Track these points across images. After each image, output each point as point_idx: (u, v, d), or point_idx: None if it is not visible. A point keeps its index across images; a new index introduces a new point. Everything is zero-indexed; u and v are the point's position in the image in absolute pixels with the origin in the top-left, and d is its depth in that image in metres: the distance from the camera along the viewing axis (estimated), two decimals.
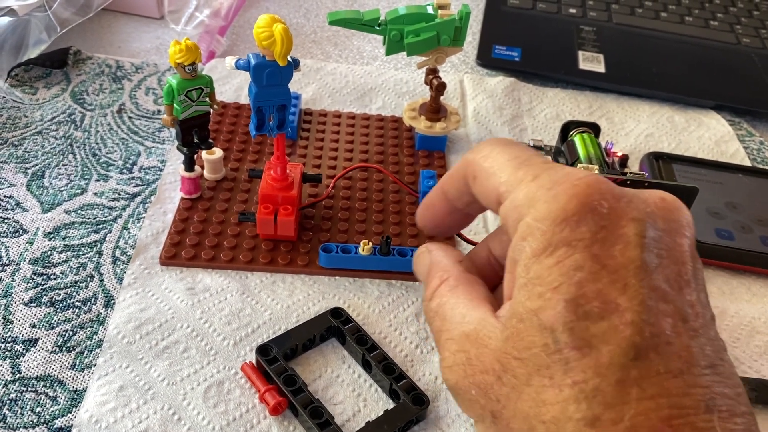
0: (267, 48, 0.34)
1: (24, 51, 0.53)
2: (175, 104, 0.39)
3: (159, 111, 0.52)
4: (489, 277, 0.28)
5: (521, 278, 0.21)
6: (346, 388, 0.34)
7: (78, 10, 0.57)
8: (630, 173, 0.40)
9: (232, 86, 0.55)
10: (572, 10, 0.71)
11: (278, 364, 0.33)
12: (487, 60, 0.62)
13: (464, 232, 0.44)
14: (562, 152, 0.48)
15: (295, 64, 0.36)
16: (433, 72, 0.49)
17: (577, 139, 0.47)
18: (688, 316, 0.20)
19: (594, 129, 0.48)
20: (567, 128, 0.49)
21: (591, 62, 0.63)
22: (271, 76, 0.35)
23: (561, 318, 0.20)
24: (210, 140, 0.42)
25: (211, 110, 0.41)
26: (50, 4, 0.55)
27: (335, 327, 0.36)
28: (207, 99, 0.40)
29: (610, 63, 0.63)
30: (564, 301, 0.20)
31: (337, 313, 0.36)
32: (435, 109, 0.50)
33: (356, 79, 0.58)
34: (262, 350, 0.34)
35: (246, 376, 0.34)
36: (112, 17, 0.64)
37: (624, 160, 0.49)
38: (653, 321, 0.20)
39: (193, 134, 0.41)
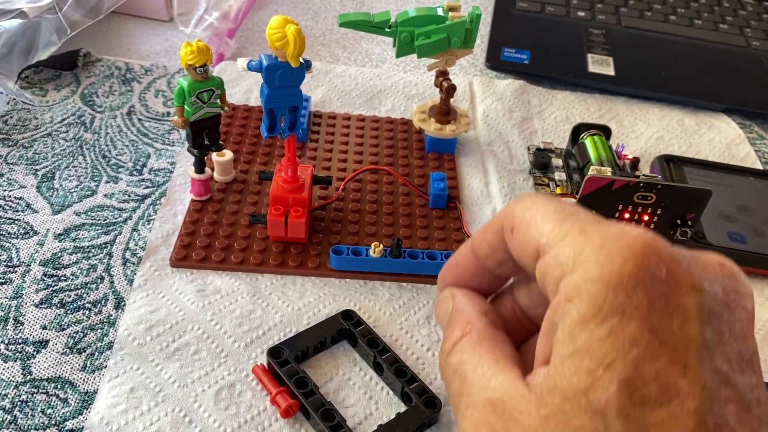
0: (279, 49, 0.34)
1: (34, 53, 0.53)
2: (186, 106, 0.39)
3: (168, 113, 0.52)
4: (514, 331, 0.26)
5: (565, 347, 0.19)
6: (358, 391, 0.34)
7: (88, 13, 0.57)
8: (643, 176, 0.40)
9: (242, 88, 0.55)
10: (581, 13, 0.71)
11: (289, 367, 0.33)
12: (496, 62, 0.62)
13: None
14: (573, 155, 0.48)
15: (307, 66, 0.36)
16: (443, 74, 0.49)
17: (588, 142, 0.47)
18: (751, 402, 0.19)
19: (605, 131, 0.48)
20: (577, 131, 0.49)
21: (600, 65, 0.62)
22: (284, 77, 0.35)
23: (614, 402, 0.18)
24: (220, 142, 0.42)
25: (222, 112, 0.41)
26: (60, 6, 0.55)
27: (346, 329, 0.36)
28: (218, 101, 0.40)
29: (620, 66, 0.63)
30: (618, 382, 0.18)
31: (348, 315, 0.36)
32: (445, 112, 0.49)
33: (365, 82, 0.58)
34: (274, 352, 0.34)
35: (257, 379, 0.33)
36: (122, 20, 0.64)
37: (635, 162, 0.49)
38: (716, 410, 0.18)
39: (204, 136, 0.41)
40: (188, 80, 0.38)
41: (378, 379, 0.34)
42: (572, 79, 0.61)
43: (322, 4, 0.71)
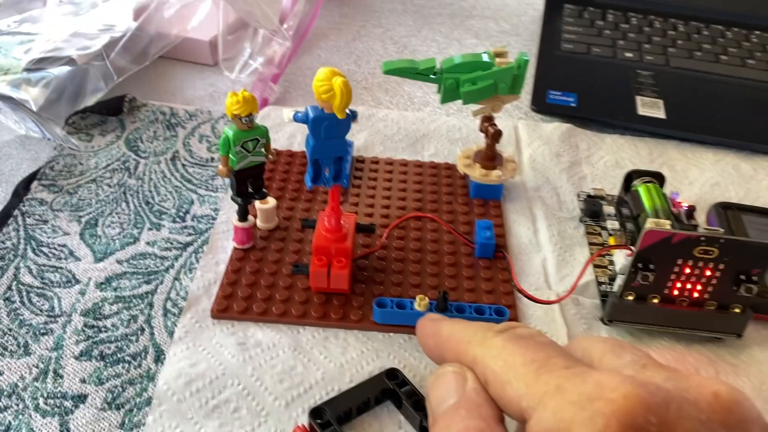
0: (326, 101, 0.33)
1: (82, 99, 0.54)
2: (230, 155, 0.38)
3: (212, 158, 0.52)
4: None
5: None
6: None
7: (134, 59, 0.58)
8: (703, 229, 0.38)
9: (285, 134, 0.55)
10: (628, 54, 0.70)
11: (332, 429, 0.32)
12: (541, 105, 0.61)
13: (526, 287, 0.42)
14: (626, 202, 0.46)
15: (353, 116, 0.35)
16: (488, 119, 0.48)
17: (641, 190, 0.45)
18: None
19: (658, 178, 0.46)
20: (630, 177, 0.47)
21: (650, 108, 0.61)
22: (330, 128, 0.35)
23: None
24: (264, 190, 0.41)
25: (266, 160, 0.40)
26: (108, 53, 0.56)
27: (391, 389, 0.34)
28: (262, 149, 0.39)
29: (671, 108, 0.61)
30: None
31: (392, 374, 0.35)
32: (491, 157, 0.48)
33: (408, 126, 0.57)
34: (315, 413, 0.32)
35: None
36: (168, 64, 0.65)
37: (691, 210, 0.46)
38: None
39: (248, 184, 0.41)
40: (234, 129, 0.38)
41: None
42: (621, 122, 0.59)
43: (365, 49, 0.71)
